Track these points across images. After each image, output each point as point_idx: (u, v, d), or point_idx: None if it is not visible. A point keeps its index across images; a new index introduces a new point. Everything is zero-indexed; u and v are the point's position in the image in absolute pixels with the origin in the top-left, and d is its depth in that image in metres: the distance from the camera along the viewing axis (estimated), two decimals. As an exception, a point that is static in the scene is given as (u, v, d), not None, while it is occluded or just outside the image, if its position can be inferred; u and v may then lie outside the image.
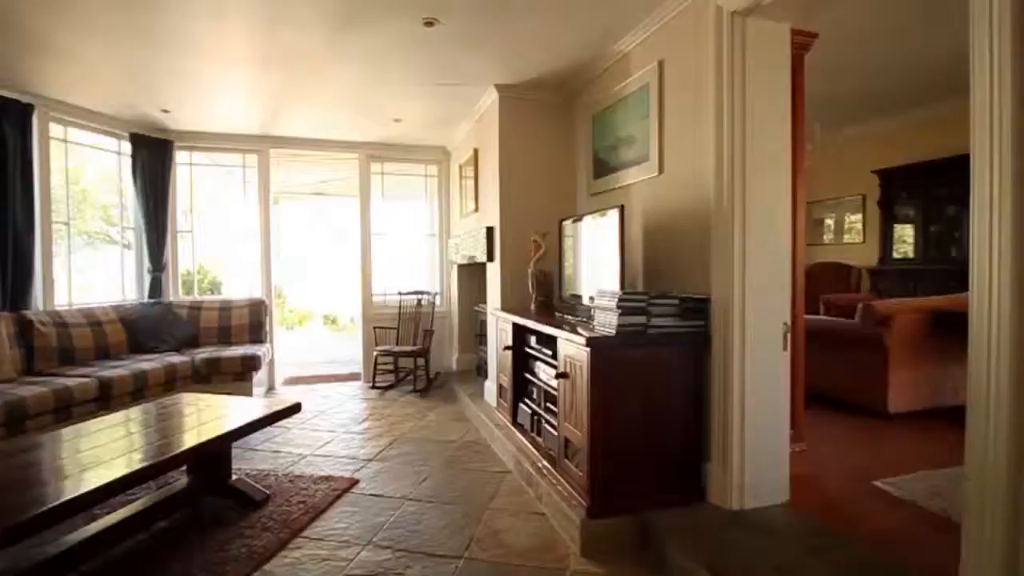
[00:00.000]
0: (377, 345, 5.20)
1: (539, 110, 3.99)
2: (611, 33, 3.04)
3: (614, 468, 2.28)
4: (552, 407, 2.86)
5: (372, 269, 5.67)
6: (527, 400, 3.32)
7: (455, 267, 5.58)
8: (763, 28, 2.30)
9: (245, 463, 3.20)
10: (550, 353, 2.86)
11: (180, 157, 5.16)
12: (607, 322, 2.36)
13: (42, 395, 3.12)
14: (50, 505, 1.68)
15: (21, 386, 3.20)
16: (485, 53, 3.33)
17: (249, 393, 4.25)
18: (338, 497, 2.77)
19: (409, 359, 5.12)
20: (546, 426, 2.92)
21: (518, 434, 3.26)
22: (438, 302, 5.66)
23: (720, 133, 2.32)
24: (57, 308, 4.14)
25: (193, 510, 2.61)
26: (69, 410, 3.28)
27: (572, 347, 2.43)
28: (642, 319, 2.31)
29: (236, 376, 4.27)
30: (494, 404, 3.97)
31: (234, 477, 2.79)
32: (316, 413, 4.32)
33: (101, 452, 2.19)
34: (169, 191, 5.02)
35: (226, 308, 4.92)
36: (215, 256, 6.97)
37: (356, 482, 2.95)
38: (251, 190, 5.40)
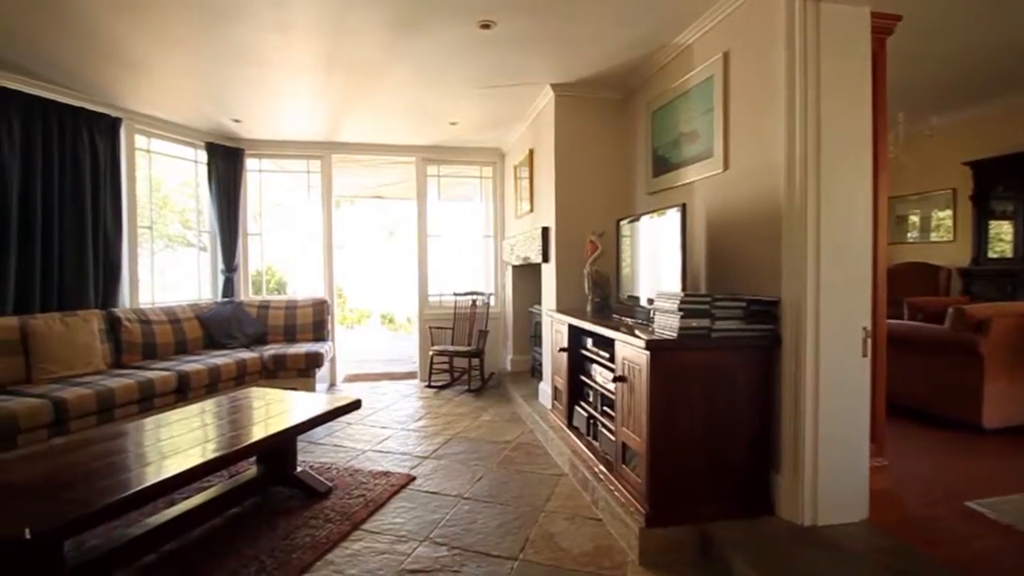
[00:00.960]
0: (433, 345, 5.29)
1: (596, 108, 3.93)
2: (672, 26, 2.95)
3: (675, 476, 2.20)
4: (609, 411, 2.80)
5: (428, 270, 5.78)
6: (583, 403, 3.27)
7: (509, 268, 5.59)
8: (839, 12, 2.15)
9: (309, 455, 3.33)
10: (607, 356, 2.80)
11: (250, 164, 5.45)
12: (668, 325, 2.28)
13: (128, 386, 3.37)
14: (137, 489, 1.80)
15: (110, 378, 3.46)
16: (541, 53, 3.32)
17: (312, 389, 4.42)
18: (396, 492, 2.82)
19: (464, 359, 5.17)
20: (602, 430, 2.86)
21: (573, 437, 3.21)
22: (492, 303, 5.69)
23: (792, 126, 2.19)
24: (141, 306, 4.47)
25: (262, 498, 2.74)
26: (151, 401, 3.52)
27: (630, 350, 2.36)
28: (706, 322, 2.21)
29: (300, 372, 4.45)
30: (548, 406, 3.94)
31: (299, 469, 2.90)
32: (374, 410, 4.44)
33: (179, 441, 2.33)
34: (240, 196, 5.32)
35: (291, 307, 5.15)
36: (281, 257, 7.31)
37: (413, 479, 3.00)
38: (314, 194, 5.63)
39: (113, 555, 2.02)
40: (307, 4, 2.72)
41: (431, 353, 5.21)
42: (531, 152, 4.57)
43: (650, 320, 2.57)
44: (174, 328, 4.41)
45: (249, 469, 2.88)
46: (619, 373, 2.51)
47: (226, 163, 5.20)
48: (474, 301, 5.45)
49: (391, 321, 10.68)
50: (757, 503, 2.27)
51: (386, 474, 3.06)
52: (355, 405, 2.98)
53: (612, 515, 2.39)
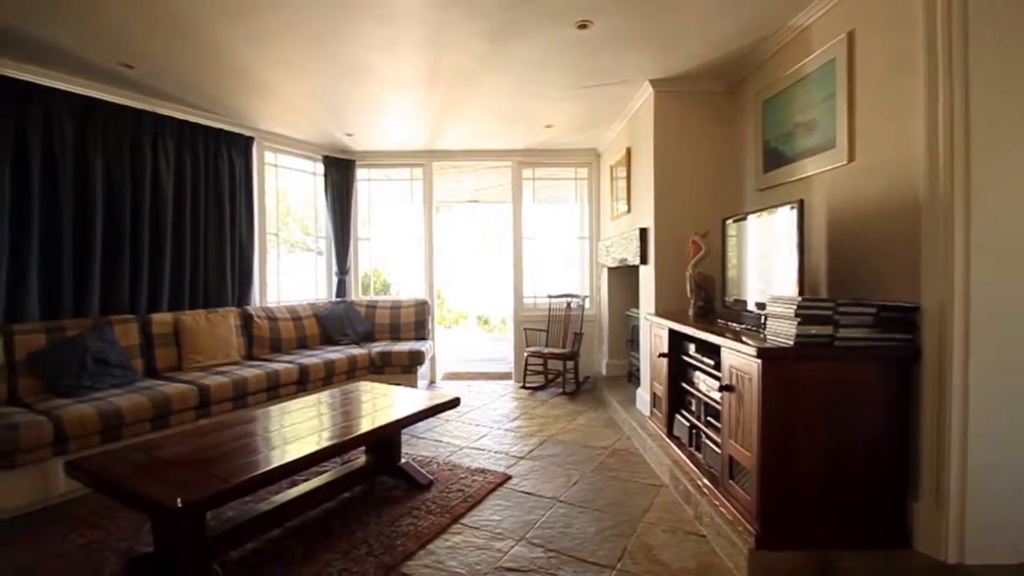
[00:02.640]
0: (527, 346, 5.33)
1: (698, 102, 3.74)
2: (786, 8, 2.73)
3: (790, 496, 2.03)
4: (714, 421, 2.65)
5: (523, 272, 5.84)
6: (684, 412, 3.12)
7: (605, 270, 5.50)
8: (997, -26, 1.86)
9: (411, 448, 3.49)
10: (712, 363, 2.65)
11: (360, 174, 5.86)
12: (782, 331, 2.10)
13: (258, 376, 3.76)
14: (268, 469, 2.00)
15: (244, 368, 3.88)
16: (640, 49, 3.22)
17: (414, 384, 4.65)
18: (492, 490, 2.87)
19: (558, 361, 5.17)
20: (706, 441, 2.71)
21: (674, 447, 3.08)
22: (587, 305, 5.62)
23: (933, 110, 1.93)
24: (269, 305, 4.96)
25: (369, 486, 2.92)
26: (277, 390, 3.89)
27: (739, 358, 2.22)
28: (827, 329, 2.02)
29: (404, 369, 4.70)
30: (647, 413, 3.81)
31: (403, 460, 3.05)
32: (471, 408, 4.57)
33: (299, 428, 2.55)
34: (352, 204, 5.74)
35: (396, 307, 5.46)
36: (386, 260, 7.77)
37: (509, 478, 3.04)
38: (416, 200, 5.92)
39: (245, 527, 2.25)
40: (410, 21, 2.87)
41: (526, 354, 5.26)
42: (628, 151, 4.46)
43: (760, 326, 2.39)
44: (296, 325, 4.85)
45: (359, 458, 3.08)
46: (726, 382, 2.36)
47: (340, 174, 5.63)
48: (568, 303, 5.43)
49: (486, 322, 10.94)
50: (889, 533, 2.02)
51: (483, 471, 3.12)
52: (454, 403, 3.08)
53: (717, 532, 2.25)
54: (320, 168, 5.60)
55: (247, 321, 4.47)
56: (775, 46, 3.08)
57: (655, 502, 2.71)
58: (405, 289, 6.79)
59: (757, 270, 2.79)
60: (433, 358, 5.68)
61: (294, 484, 2.72)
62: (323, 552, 2.24)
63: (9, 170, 3.21)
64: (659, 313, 3.60)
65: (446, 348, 7.08)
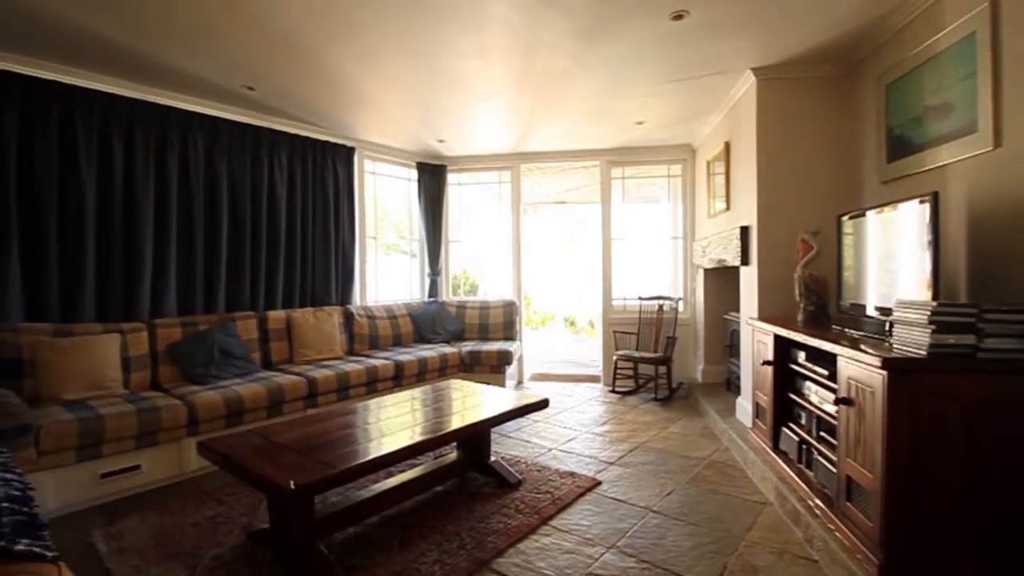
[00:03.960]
0: (617, 349, 5.21)
1: (807, 88, 3.45)
2: (917, -23, 2.44)
3: (920, 525, 1.79)
4: (827, 437, 2.42)
5: (612, 273, 5.72)
6: (792, 425, 2.88)
7: (700, 271, 5.24)
8: None
9: (500, 447, 3.53)
10: (825, 373, 2.42)
11: (450, 178, 6.05)
12: (912, 340, 1.87)
13: (359, 371, 3.99)
14: (370, 458, 2.11)
15: (346, 363, 4.14)
16: (740, 36, 3.03)
17: (503, 384, 4.71)
18: (582, 495, 2.83)
19: (650, 366, 5.00)
20: (818, 458, 2.48)
21: (780, 462, 2.85)
22: (681, 308, 5.39)
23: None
24: (368, 304, 5.26)
25: (460, 481, 2.99)
26: (375, 384, 4.11)
27: (859, 368, 2.00)
28: (969, 338, 1.77)
29: (493, 368, 4.78)
30: (748, 424, 3.57)
31: (492, 458, 3.09)
32: (559, 410, 4.54)
33: (396, 422, 2.66)
34: (443, 208, 5.95)
35: (485, 308, 5.57)
36: (474, 261, 7.94)
37: (599, 483, 2.98)
38: (504, 202, 6.01)
39: (348, 512, 2.39)
40: (502, 27, 2.91)
41: (615, 358, 5.14)
42: (727, 145, 4.21)
43: (883, 333, 2.15)
44: (392, 323, 5.10)
45: (451, 453, 3.17)
46: (843, 395, 2.14)
47: (432, 179, 5.86)
48: (660, 306, 5.23)
49: (573, 324, 10.86)
50: (1053, 579, 1.73)
51: (572, 475, 3.09)
52: (543, 404, 3.07)
53: (831, 558, 2.05)
54: (414, 174, 5.85)
55: (348, 319, 4.76)
56: (899, 23, 2.76)
57: (759, 520, 2.52)
58: (493, 290, 6.91)
59: (879, 271, 2.51)
60: (521, 359, 5.72)
61: (390, 474, 2.85)
62: (418, 542, 2.32)
63: (153, 186, 3.66)
64: (763, 317, 3.35)
65: (533, 349, 7.12)
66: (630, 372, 5.30)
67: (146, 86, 3.64)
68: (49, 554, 1.36)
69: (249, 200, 4.21)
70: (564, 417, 4.35)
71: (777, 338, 2.97)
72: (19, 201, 3.11)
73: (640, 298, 5.42)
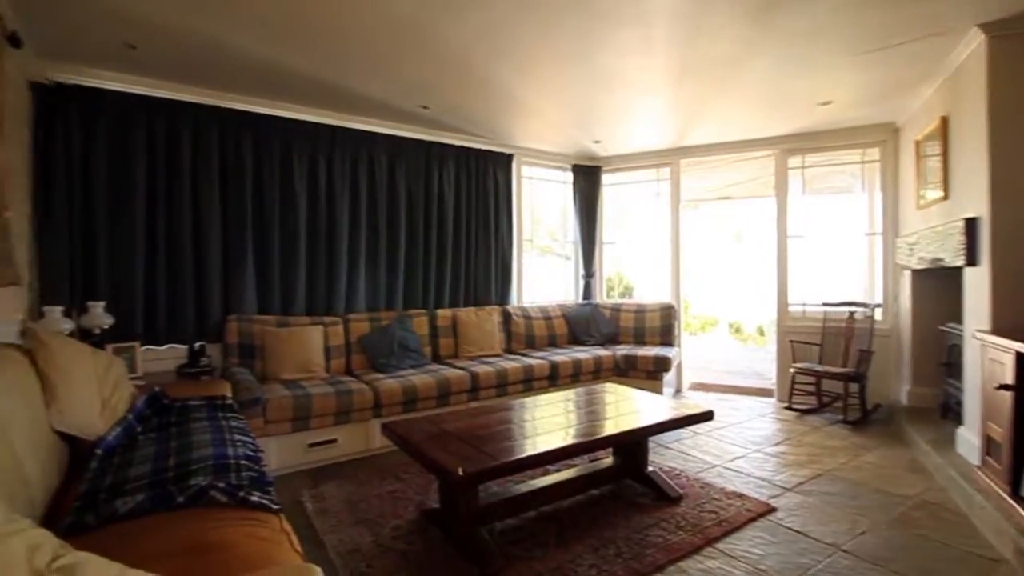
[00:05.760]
0: (795, 361, 4.64)
1: (1071, 40, 2.70)
2: None
3: None
4: (1104, 487, 1.85)
5: (788, 276, 5.12)
6: (1042, 465, 2.27)
7: (906, 273, 4.42)
8: None
9: (657, 456, 3.38)
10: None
11: (605, 179, 5.98)
12: None
13: (516, 369, 4.14)
14: (532, 453, 2.17)
15: (504, 360, 4.32)
16: (970, -16, 2.48)
17: (659, 391, 4.50)
18: (752, 519, 2.57)
19: (837, 382, 4.36)
20: (1088, 513, 1.91)
21: (1021, 511, 2.27)
22: (879, 316, 4.61)
23: None
24: (524, 304, 5.43)
25: (616, 487, 2.92)
26: (531, 383, 4.23)
27: None
28: None
29: (649, 374, 4.60)
30: (974, 461, 2.91)
31: (650, 468, 2.97)
32: (724, 424, 4.19)
33: (551, 421, 2.70)
34: (598, 209, 5.90)
35: (640, 311, 5.39)
36: (629, 262, 7.74)
37: (772, 509, 2.68)
38: (662, 201, 5.75)
39: (509, 504, 2.49)
40: (666, 18, 2.78)
41: (792, 371, 4.59)
42: (943, 121, 3.49)
43: None
44: (547, 324, 5.20)
45: (606, 457, 3.11)
46: None
47: (587, 180, 5.85)
48: (851, 313, 4.53)
49: (738, 331, 9.98)
50: None
51: (740, 496, 2.82)
52: (707, 416, 2.87)
53: (1114, 649, 1.56)
54: (569, 176, 5.90)
55: (506, 318, 4.97)
56: None
57: (992, 581, 2.04)
58: (648, 293, 6.66)
59: None
60: (680, 365, 5.42)
61: (546, 472, 2.90)
62: (574, 543, 2.32)
63: (348, 199, 4.24)
64: (997, 330, 2.70)
65: (692, 357, 6.68)
66: (811, 388, 4.68)
67: (343, 114, 4.23)
68: (275, 506, 1.63)
69: (422, 208, 4.65)
70: (729, 432, 4.00)
71: (1020, 356, 2.36)
72: (253, 217, 3.83)
73: (825, 304, 4.75)
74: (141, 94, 3.41)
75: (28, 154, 2.97)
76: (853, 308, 4.54)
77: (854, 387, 4.25)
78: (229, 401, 2.71)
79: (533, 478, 2.79)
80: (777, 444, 3.72)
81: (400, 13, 2.68)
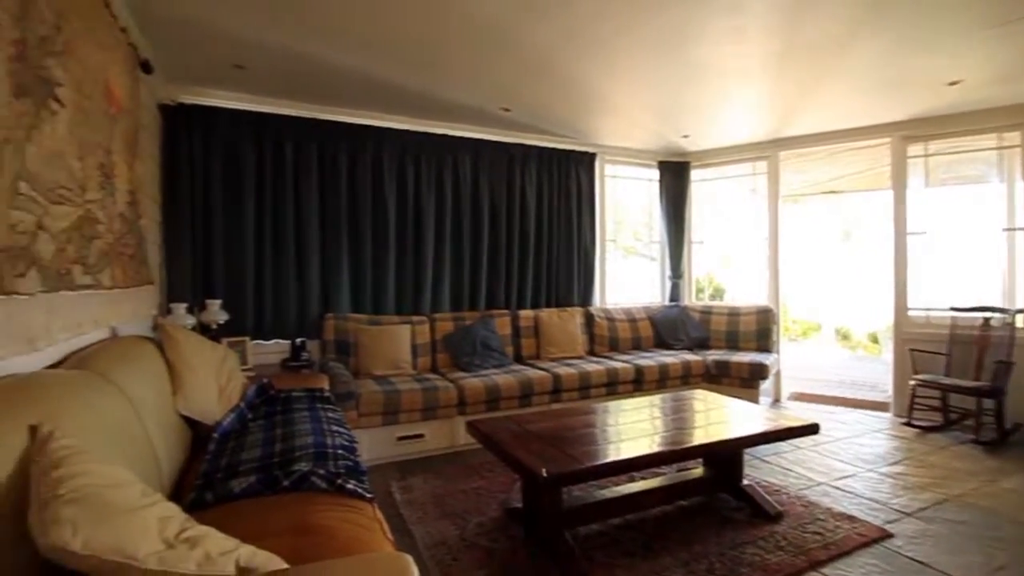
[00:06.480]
0: (916, 373, 4.15)
1: None
2: None
3: None
4: None
5: (907, 277, 4.59)
6: None
7: (1054, 274, 3.81)
8: None
9: (753, 470, 3.15)
10: None
11: (694, 175, 5.71)
12: None
13: (599, 371, 4.06)
14: (618, 459, 2.11)
15: (587, 362, 4.26)
16: None
17: (756, 400, 4.21)
18: (864, 545, 2.32)
19: (969, 397, 3.84)
20: None
21: None
22: (1020, 323, 4.01)
23: None
24: (607, 306, 5.32)
25: (707, 500, 2.76)
26: (615, 386, 4.12)
27: None
28: None
29: (743, 382, 4.32)
30: None
31: (745, 482, 2.78)
32: (831, 439, 3.83)
33: (637, 427, 2.60)
34: (686, 207, 5.64)
35: (734, 314, 5.08)
36: (720, 263, 7.35)
37: (889, 535, 2.40)
38: (759, 197, 5.39)
39: (593, 508, 2.43)
40: (761, 5, 2.59)
41: (913, 383, 4.10)
42: (1112, 95, 2.96)
43: None
44: (631, 326, 5.05)
45: (696, 468, 2.96)
46: None
47: (674, 178, 5.62)
48: (987, 319, 3.98)
49: (846, 337, 9.12)
50: None
51: (849, 518, 2.56)
52: (811, 429, 2.63)
53: None
54: (655, 174, 5.69)
55: (589, 320, 4.89)
56: None
57: None
58: (741, 295, 6.26)
59: None
60: (778, 374, 5.04)
61: (631, 479, 2.81)
62: (662, 554, 2.22)
63: (433, 201, 4.37)
64: None
65: (792, 365, 6.20)
66: (936, 403, 4.16)
67: (429, 120, 4.37)
68: (368, 495, 1.70)
69: (504, 209, 4.69)
70: (836, 448, 3.65)
71: None
72: (347, 222, 4.06)
73: (953, 308, 4.21)
74: (249, 110, 3.74)
75: (158, 169, 3.36)
76: (989, 314, 3.99)
77: (989, 403, 3.73)
78: (327, 394, 2.88)
79: (616, 484, 2.71)
80: (894, 464, 3.34)
81: (486, 16, 2.71)
